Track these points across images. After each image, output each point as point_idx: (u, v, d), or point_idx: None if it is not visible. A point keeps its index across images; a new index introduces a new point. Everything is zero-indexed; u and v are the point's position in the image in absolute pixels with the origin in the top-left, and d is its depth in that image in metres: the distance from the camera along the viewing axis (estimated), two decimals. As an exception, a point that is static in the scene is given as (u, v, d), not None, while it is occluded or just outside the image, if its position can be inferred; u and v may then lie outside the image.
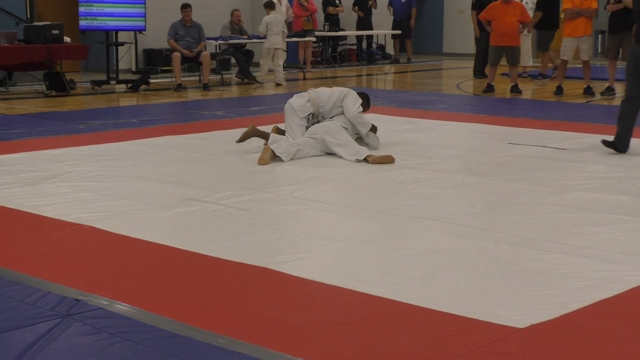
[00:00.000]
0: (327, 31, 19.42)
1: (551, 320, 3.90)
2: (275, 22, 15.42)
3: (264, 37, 15.45)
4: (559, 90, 13.74)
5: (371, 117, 8.69)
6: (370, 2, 20.21)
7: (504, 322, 3.85)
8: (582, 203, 6.31)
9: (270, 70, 15.72)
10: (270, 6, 15.58)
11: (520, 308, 4.06)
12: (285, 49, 17.05)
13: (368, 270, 4.70)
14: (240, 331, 3.78)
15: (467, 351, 3.57)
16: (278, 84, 15.49)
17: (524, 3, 14.82)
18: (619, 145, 8.10)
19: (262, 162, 7.73)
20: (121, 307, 4.06)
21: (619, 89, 13.43)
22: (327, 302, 4.26)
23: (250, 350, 3.53)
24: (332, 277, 4.52)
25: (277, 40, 15.46)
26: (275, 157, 7.78)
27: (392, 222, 5.84)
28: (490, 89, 14.10)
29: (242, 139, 8.19)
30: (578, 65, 14.12)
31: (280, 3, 16.73)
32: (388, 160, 7.80)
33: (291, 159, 7.85)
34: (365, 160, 7.74)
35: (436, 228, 5.59)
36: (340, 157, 7.90)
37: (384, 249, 5.18)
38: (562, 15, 14.14)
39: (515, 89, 13.95)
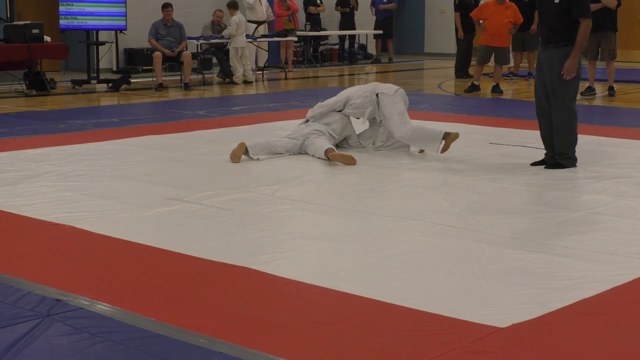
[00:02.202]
0: (309, 31, 19.45)
1: (532, 319, 3.92)
2: (242, 23, 15.49)
3: (229, 38, 15.46)
4: None
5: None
6: (352, 3, 20.21)
7: (485, 321, 3.86)
8: (561, 202, 6.35)
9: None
10: (234, 6, 15.59)
11: (501, 307, 4.07)
12: (266, 49, 17.10)
13: (350, 269, 4.72)
14: (222, 331, 3.79)
15: (448, 350, 3.58)
16: (248, 82, 15.49)
17: None
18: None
19: (233, 156, 7.81)
20: (102, 307, 4.06)
21: (599, 89, 13.51)
22: (309, 301, 4.26)
23: (232, 350, 3.54)
24: (314, 277, 4.52)
25: (243, 39, 15.53)
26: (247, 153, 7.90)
27: (374, 221, 5.85)
28: (474, 88, 14.15)
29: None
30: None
31: (260, 2, 16.71)
32: (348, 160, 7.78)
33: (265, 155, 8.01)
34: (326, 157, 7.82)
35: (418, 227, 5.60)
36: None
37: (366, 249, 5.17)
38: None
39: (496, 89, 14.00)
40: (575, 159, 7.50)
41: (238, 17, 15.44)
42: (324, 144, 7.93)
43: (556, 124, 7.38)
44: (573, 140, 7.51)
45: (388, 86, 8.42)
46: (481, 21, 14.02)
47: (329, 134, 8.18)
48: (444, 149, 8.06)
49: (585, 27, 7.19)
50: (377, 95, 8.21)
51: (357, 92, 8.37)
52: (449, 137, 8.08)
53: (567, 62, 7.20)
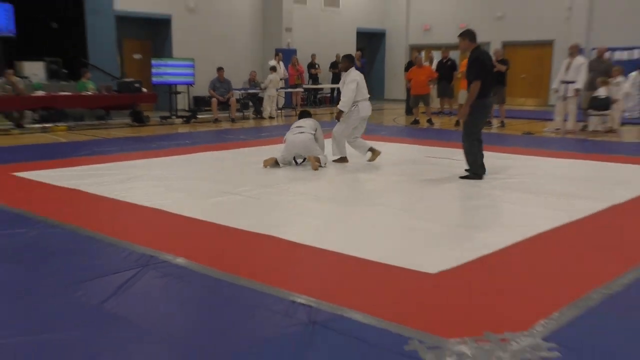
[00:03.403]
0: (311, 85, 19.46)
1: (451, 268, 4.02)
2: (275, 81, 15.63)
3: (264, 89, 15.68)
4: (458, 123, 13.85)
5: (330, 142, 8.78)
6: (340, 66, 20.27)
7: (422, 269, 3.97)
8: (472, 193, 6.40)
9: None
10: (273, 69, 15.80)
11: (433, 260, 4.15)
12: (283, 96, 17.21)
13: (335, 237, 4.74)
14: (254, 275, 3.87)
15: (399, 288, 3.65)
16: (272, 117, 15.71)
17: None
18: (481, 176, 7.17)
19: (264, 164, 7.86)
20: (179, 260, 4.14)
21: (495, 122, 13.58)
22: (310, 256, 4.32)
23: (256, 286, 3.64)
24: (313, 241, 4.58)
25: (274, 91, 15.71)
26: (275, 165, 7.88)
27: (352, 206, 5.91)
28: (416, 122, 14.23)
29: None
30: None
31: (280, 66, 16.85)
32: (314, 166, 7.72)
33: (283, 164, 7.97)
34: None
35: (380, 210, 5.66)
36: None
37: (346, 224, 5.19)
38: (459, 75, 14.29)
39: (430, 122, 14.10)
40: (475, 173, 7.07)
41: (272, 76, 15.59)
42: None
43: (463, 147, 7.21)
44: (471, 162, 7.08)
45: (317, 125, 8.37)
46: (410, 80, 14.37)
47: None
48: (371, 159, 8.32)
49: (474, 86, 6.78)
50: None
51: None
52: (375, 153, 8.34)
53: (460, 109, 7.16)
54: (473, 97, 6.86)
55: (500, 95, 13.38)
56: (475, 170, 7.12)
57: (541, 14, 19.20)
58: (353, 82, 8.12)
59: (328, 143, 8.41)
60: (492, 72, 7.11)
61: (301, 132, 8.02)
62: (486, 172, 7.21)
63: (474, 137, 7.08)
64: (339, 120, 8.20)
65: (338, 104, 8.31)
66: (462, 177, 7.14)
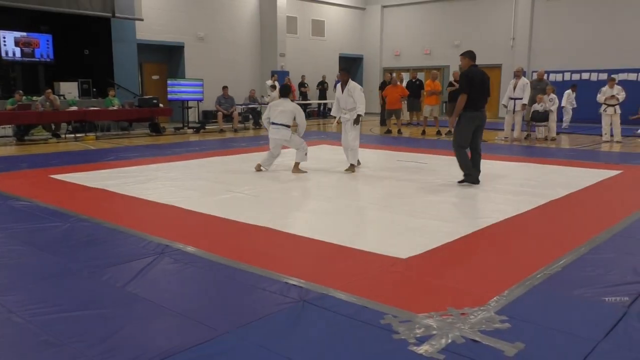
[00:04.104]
0: (301, 100, 19.39)
1: (420, 253, 4.00)
2: (275, 96, 15.57)
3: (266, 103, 15.60)
4: (424, 132, 13.88)
5: (322, 148, 8.71)
6: (326, 85, 20.25)
7: (394, 255, 3.94)
8: (436, 190, 6.39)
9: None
10: (274, 88, 15.75)
11: (403, 247, 4.14)
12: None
13: (323, 228, 4.73)
14: (253, 260, 3.83)
15: (375, 270, 3.62)
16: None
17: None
18: (475, 179, 6.72)
19: (255, 168, 7.69)
20: (190, 249, 4.11)
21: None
22: (302, 245, 4.29)
23: (255, 270, 3.62)
24: (305, 232, 4.56)
25: None
26: (259, 169, 7.67)
27: (337, 202, 5.88)
28: (389, 132, 14.22)
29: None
30: (431, 120, 14.27)
31: (277, 85, 16.82)
32: (296, 171, 7.54)
33: (270, 164, 7.73)
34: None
35: (360, 205, 5.68)
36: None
37: (331, 217, 5.19)
38: (425, 92, 14.32)
39: (399, 132, 14.09)
40: (467, 175, 6.66)
41: (274, 94, 15.52)
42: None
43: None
44: (460, 166, 6.65)
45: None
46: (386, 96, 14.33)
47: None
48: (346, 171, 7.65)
49: (459, 98, 6.44)
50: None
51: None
52: (349, 168, 7.72)
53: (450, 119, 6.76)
54: (458, 109, 6.49)
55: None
56: (466, 172, 6.68)
57: (491, 43, 19.37)
58: (361, 90, 7.65)
59: (327, 148, 8.37)
60: (482, 88, 6.54)
61: (278, 129, 7.51)
62: (479, 182, 6.68)
63: (459, 145, 6.62)
64: (357, 124, 7.68)
65: (323, 116, 8.13)
66: (460, 182, 6.70)
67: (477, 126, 6.59)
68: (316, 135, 13.03)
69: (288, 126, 7.60)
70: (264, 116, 7.89)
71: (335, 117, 8.24)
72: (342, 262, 3.83)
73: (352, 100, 7.62)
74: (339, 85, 7.83)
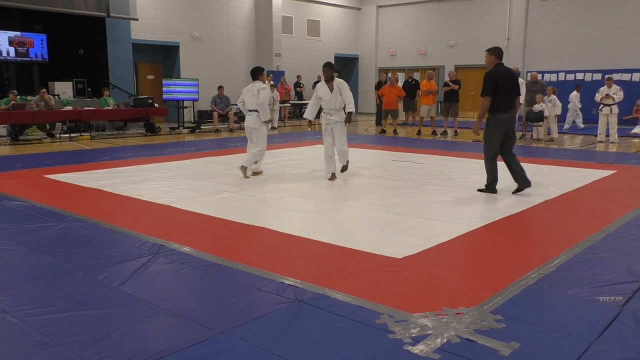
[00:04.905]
0: (296, 100, 19.39)
1: (415, 253, 4.00)
2: (275, 96, 15.61)
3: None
4: (419, 132, 13.90)
5: (317, 148, 8.68)
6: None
7: (390, 255, 3.96)
8: (431, 191, 6.40)
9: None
10: (274, 88, 15.76)
11: (399, 247, 4.15)
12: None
13: (318, 228, 4.74)
14: (249, 260, 3.83)
15: (370, 269, 3.62)
16: (273, 127, 15.60)
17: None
18: (494, 189, 6.24)
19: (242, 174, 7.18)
20: (186, 249, 4.12)
21: (450, 132, 13.69)
22: (295, 245, 4.29)
23: (251, 270, 3.61)
24: (298, 232, 4.57)
25: (275, 105, 15.65)
26: (244, 169, 7.21)
27: (332, 202, 5.91)
28: (383, 131, 14.23)
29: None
30: (428, 120, 14.30)
31: (273, 87, 16.83)
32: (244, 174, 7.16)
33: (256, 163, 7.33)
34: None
35: (355, 205, 5.67)
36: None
37: (327, 217, 5.22)
38: (420, 92, 14.34)
39: (395, 132, 14.10)
40: (488, 187, 6.18)
41: (274, 94, 15.42)
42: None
43: None
44: (488, 175, 6.16)
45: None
46: (382, 95, 14.27)
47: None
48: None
49: (482, 102, 5.90)
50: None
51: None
52: (334, 177, 7.13)
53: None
54: (482, 113, 5.99)
55: (454, 110, 13.56)
56: (492, 184, 6.18)
57: (485, 43, 19.32)
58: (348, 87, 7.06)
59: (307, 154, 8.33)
60: (509, 88, 5.98)
61: (250, 115, 7.11)
62: (530, 185, 6.14)
63: (490, 153, 6.09)
64: (349, 123, 7.10)
65: (317, 116, 7.44)
66: (479, 190, 6.28)
67: (507, 129, 6.03)
68: (311, 136, 13.03)
69: (257, 112, 7.14)
70: (239, 100, 7.37)
71: (308, 120, 7.40)
72: (338, 262, 3.83)
73: (342, 99, 6.97)
74: (319, 84, 7.13)
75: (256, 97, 7.09)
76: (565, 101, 14.58)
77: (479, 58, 19.83)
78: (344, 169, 7.48)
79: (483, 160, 6.25)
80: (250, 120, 7.21)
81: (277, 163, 8.17)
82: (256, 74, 7.22)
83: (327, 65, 7.02)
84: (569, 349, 2.57)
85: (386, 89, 14.16)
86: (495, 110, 5.95)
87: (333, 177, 7.18)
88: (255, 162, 7.34)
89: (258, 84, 7.16)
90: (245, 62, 18.81)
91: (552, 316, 2.93)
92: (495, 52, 6.07)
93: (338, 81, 7.00)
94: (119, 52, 14.99)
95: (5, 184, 6.75)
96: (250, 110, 7.22)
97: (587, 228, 4.71)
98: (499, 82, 5.89)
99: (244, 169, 7.20)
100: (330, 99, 6.98)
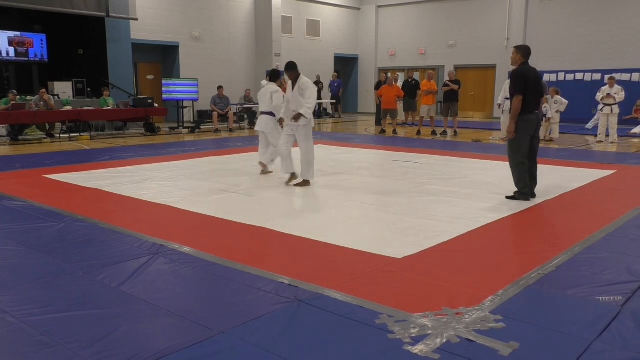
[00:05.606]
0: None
1: (415, 253, 4.00)
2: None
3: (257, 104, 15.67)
4: (419, 132, 13.90)
5: (319, 146, 8.71)
6: (321, 85, 20.26)
7: (390, 255, 3.96)
8: (431, 191, 6.40)
9: None
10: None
11: (399, 247, 4.15)
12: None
13: (317, 228, 4.74)
14: (248, 260, 3.83)
15: (371, 270, 3.62)
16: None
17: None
18: (531, 195, 5.91)
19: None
20: (185, 249, 4.12)
21: (450, 132, 13.70)
22: (296, 245, 4.30)
23: (250, 270, 3.62)
24: (299, 232, 4.57)
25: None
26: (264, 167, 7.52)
27: (332, 202, 5.89)
28: (383, 131, 14.24)
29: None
30: (428, 119, 14.30)
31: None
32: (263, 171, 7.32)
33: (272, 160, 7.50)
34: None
35: (355, 205, 5.66)
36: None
37: (326, 217, 5.21)
38: (420, 92, 14.35)
39: (394, 132, 14.11)
40: (522, 194, 5.82)
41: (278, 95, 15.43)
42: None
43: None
44: (516, 181, 5.82)
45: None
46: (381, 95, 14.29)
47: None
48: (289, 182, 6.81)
49: (515, 101, 5.64)
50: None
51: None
52: (293, 177, 6.75)
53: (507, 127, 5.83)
54: (515, 113, 5.65)
55: (454, 110, 13.56)
56: (522, 190, 5.83)
57: (485, 43, 19.42)
58: (314, 88, 6.49)
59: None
60: (537, 88, 5.73)
61: (261, 117, 7.29)
62: (535, 195, 5.93)
63: (517, 158, 5.77)
64: (296, 121, 6.41)
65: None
66: (508, 197, 5.89)
67: (534, 131, 5.77)
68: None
69: (272, 114, 7.08)
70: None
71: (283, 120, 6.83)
72: (338, 262, 3.83)
73: (302, 100, 6.39)
74: (290, 84, 6.58)
75: (270, 100, 7.17)
76: (572, 101, 14.62)
77: (479, 58, 19.96)
78: (300, 184, 6.62)
79: (509, 165, 5.90)
80: (262, 125, 7.28)
81: (277, 162, 8.16)
82: (274, 77, 7.35)
83: (290, 65, 6.50)
84: (569, 348, 2.56)
85: (385, 88, 14.18)
86: (523, 110, 5.66)
87: (292, 177, 6.70)
88: (272, 160, 7.49)
89: (272, 87, 7.22)
90: (245, 62, 18.81)
91: (552, 316, 2.93)
92: (523, 51, 5.78)
93: (302, 80, 6.44)
94: (118, 52, 14.99)
95: (5, 184, 6.75)
96: (263, 113, 7.34)
97: (586, 228, 4.71)
98: (528, 81, 5.64)
99: (263, 165, 7.36)
100: (292, 100, 6.48)
